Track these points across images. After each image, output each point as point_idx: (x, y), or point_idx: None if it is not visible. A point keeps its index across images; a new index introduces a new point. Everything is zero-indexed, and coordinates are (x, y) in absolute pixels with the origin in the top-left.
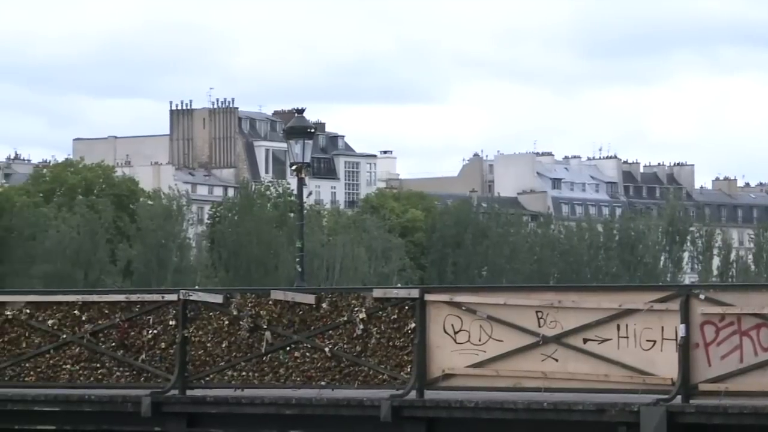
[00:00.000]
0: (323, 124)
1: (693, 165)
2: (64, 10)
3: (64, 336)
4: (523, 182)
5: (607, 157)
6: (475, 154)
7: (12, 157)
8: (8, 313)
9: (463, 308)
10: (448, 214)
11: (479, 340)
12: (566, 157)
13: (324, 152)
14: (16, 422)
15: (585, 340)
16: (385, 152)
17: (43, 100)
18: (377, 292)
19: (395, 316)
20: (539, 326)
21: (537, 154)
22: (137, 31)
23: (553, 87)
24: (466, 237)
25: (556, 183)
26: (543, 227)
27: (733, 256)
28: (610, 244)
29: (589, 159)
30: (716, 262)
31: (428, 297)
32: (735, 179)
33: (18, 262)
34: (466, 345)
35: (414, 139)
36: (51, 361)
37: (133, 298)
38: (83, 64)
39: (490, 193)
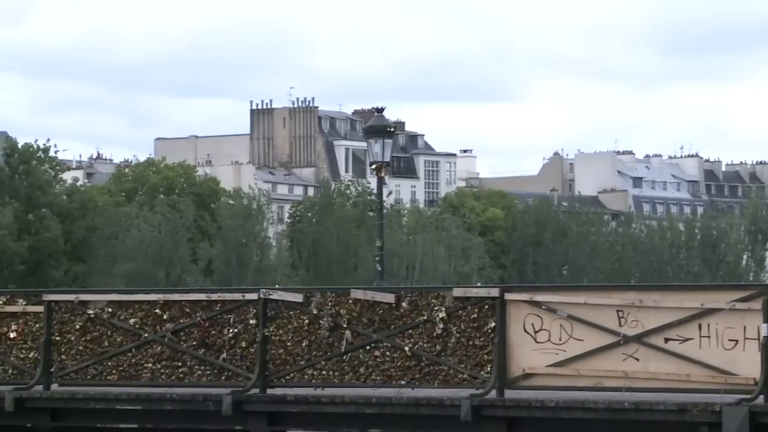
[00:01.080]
0: (403, 123)
1: None
2: (145, 10)
3: (146, 335)
4: (604, 181)
5: (689, 156)
6: (556, 153)
7: (94, 156)
8: (91, 312)
9: (544, 307)
10: (528, 213)
11: (559, 340)
12: (647, 156)
13: (404, 151)
14: (99, 420)
15: (666, 340)
16: (465, 151)
17: (124, 100)
18: (457, 291)
19: (475, 315)
20: (620, 325)
21: (618, 152)
22: (218, 31)
23: (634, 85)
24: (546, 236)
25: (637, 182)
26: (624, 226)
27: None
28: (691, 243)
29: (670, 157)
30: None
31: (508, 296)
32: None
33: (100, 261)
34: (547, 344)
35: (494, 138)
36: (133, 360)
37: (214, 297)
38: (165, 64)
39: (570, 191)
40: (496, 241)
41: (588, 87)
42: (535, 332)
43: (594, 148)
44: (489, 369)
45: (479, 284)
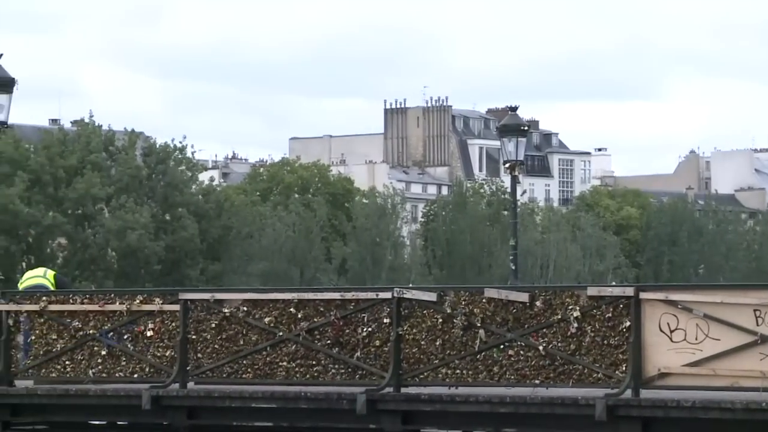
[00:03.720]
0: (537, 122)
1: None
2: (279, 11)
3: (281, 333)
4: (741, 179)
5: None
6: (692, 151)
7: (230, 156)
8: (226, 310)
9: (679, 306)
10: (663, 211)
11: (695, 339)
12: None
13: (538, 150)
14: (234, 419)
15: None
16: (599, 149)
17: (259, 100)
18: (592, 291)
19: (610, 315)
20: (757, 325)
21: (755, 150)
22: (352, 31)
23: None
24: (681, 235)
25: None
26: (761, 225)
27: None
28: None
29: None
30: None
31: (643, 295)
32: None
33: (235, 261)
34: (682, 344)
35: (630, 136)
36: (268, 359)
37: (348, 296)
38: (299, 64)
39: (706, 190)
40: (632, 240)
41: (725, 84)
42: (671, 331)
43: (731, 145)
44: (624, 368)
45: (614, 283)
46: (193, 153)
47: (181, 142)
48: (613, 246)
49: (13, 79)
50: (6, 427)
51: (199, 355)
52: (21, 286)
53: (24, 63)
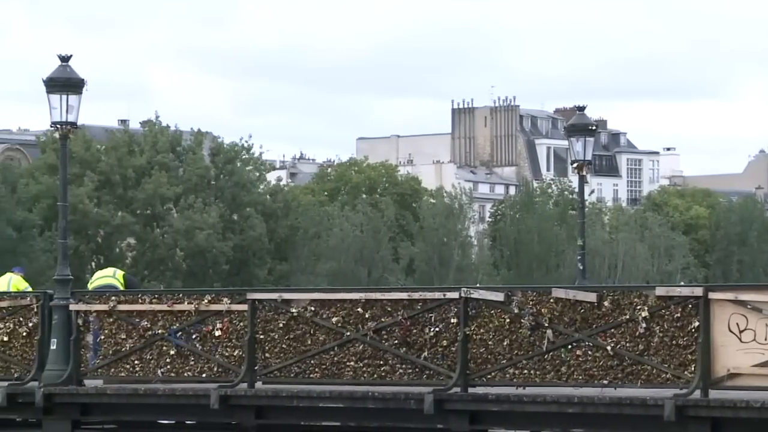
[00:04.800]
0: (605, 121)
1: None
2: (347, 11)
3: (348, 333)
4: None
5: None
6: (761, 150)
7: (297, 156)
8: (294, 310)
9: (749, 306)
10: (732, 211)
11: (765, 339)
12: None
13: (606, 149)
14: (302, 418)
15: None
16: (668, 149)
17: (326, 101)
18: (660, 291)
19: (678, 315)
20: None
21: None
22: (419, 30)
23: None
24: (751, 234)
25: None
26: None
27: None
28: None
29: None
30: None
31: (712, 295)
32: None
33: (303, 260)
34: (752, 344)
35: (698, 136)
36: (335, 358)
37: (416, 296)
38: (366, 64)
39: None
40: (701, 240)
41: None
42: (740, 332)
43: None
44: (693, 369)
45: (682, 283)
46: (260, 153)
47: (246, 142)
48: (681, 246)
49: (83, 80)
50: (76, 427)
51: (267, 354)
52: (91, 286)
53: (94, 64)
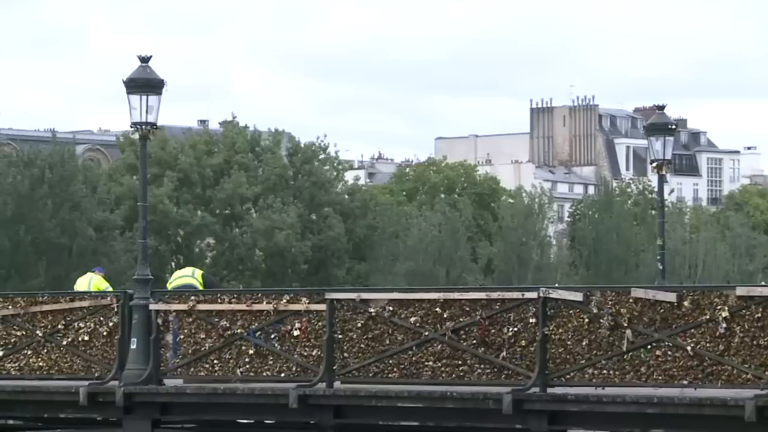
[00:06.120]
0: (685, 121)
1: None
2: (425, 11)
3: (427, 333)
4: None
5: None
6: None
7: (376, 156)
8: (372, 310)
9: None
10: None
11: None
12: None
13: (686, 149)
14: (381, 418)
15: None
16: (749, 148)
17: (405, 100)
18: (741, 291)
19: (759, 315)
20: None
21: None
22: (498, 30)
23: None
24: None
25: None
26: None
27: None
28: None
29: None
30: None
31: None
32: None
33: (381, 260)
34: None
35: None
36: (413, 358)
37: (494, 295)
38: (444, 63)
39: None
40: None
41: None
42: None
43: None
44: None
45: (763, 283)
46: (336, 152)
47: (322, 141)
48: (763, 246)
49: (163, 80)
50: (156, 426)
51: (346, 354)
52: (170, 286)
53: (174, 65)
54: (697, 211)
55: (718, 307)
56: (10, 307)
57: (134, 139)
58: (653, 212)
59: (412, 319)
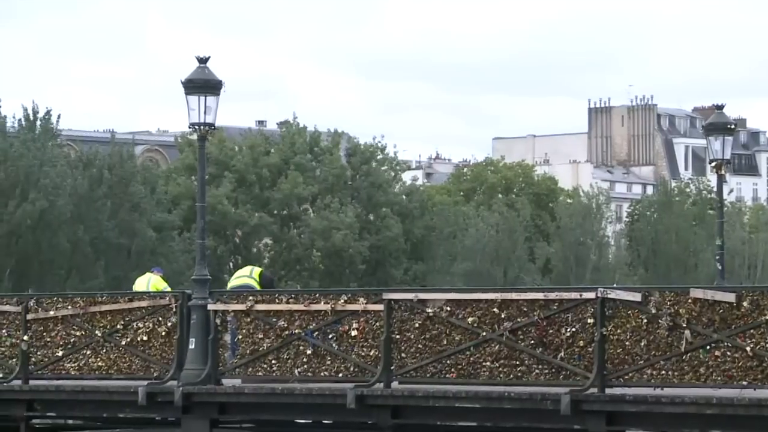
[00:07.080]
0: (744, 120)
1: None
2: (482, 11)
3: (484, 333)
4: None
5: None
6: None
7: (433, 156)
8: (429, 310)
9: None
10: None
11: None
12: None
13: (745, 148)
14: (438, 418)
15: None
16: None
17: (462, 100)
18: None
19: None
20: None
21: None
22: (556, 29)
23: None
24: None
25: None
26: None
27: None
28: None
29: None
30: None
31: None
32: None
33: (439, 260)
34: None
35: None
36: (471, 359)
37: (552, 296)
38: (502, 63)
39: None
40: None
41: None
42: None
43: None
44: None
45: None
46: (394, 152)
47: (379, 141)
48: None
49: (221, 81)
50: (214, 425)
51: (403, 354)
52: (229, 286)
53: (232, 66)
54: (757, 211)
55: None
56: (69, 307)
57: (192, 140)
58: (712, 212)
59: (470, 320)
